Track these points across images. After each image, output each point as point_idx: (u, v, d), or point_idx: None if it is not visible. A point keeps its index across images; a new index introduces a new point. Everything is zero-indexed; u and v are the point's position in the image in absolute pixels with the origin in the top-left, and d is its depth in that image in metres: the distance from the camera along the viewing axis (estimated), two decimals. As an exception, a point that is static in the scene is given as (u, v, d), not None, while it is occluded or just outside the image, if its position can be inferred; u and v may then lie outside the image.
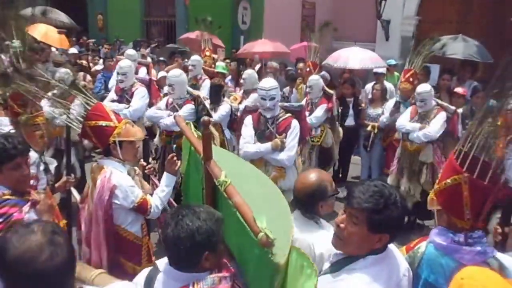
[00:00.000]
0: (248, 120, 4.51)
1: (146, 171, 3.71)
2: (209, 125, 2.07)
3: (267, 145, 4.32)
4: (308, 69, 7.08)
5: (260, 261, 1.62)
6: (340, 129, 6.48)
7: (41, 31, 9.99)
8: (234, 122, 5.95)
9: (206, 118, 2.08)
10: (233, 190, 1.78)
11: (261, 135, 4.41)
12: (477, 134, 1.91)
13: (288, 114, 4.49)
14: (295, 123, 4.42)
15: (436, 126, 5.34)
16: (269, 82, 4.47)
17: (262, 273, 1.63)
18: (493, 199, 1.91)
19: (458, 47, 7.89)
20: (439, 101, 5.68)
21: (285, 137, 4.34)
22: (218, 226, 1.78)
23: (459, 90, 6.44)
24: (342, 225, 1.84)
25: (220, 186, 1.85)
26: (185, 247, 1.72)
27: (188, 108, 5.32)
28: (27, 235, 1.42)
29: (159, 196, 3.29)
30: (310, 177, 2.47)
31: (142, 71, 8.10)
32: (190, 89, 5.57)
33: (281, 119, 4.45)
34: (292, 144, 4.35)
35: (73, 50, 10.96)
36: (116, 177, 3.12)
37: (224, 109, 5.80)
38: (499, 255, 2.02)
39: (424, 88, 5.44)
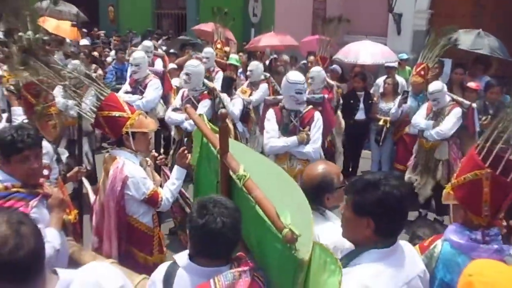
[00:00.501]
0: (271, 114, 4.40)
1: (157, 162, 3.71)
2: (226, 118, 2.04)
3: (293, 139, 4.24)
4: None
5: (283, 256, 1.59)
6: (342, 121, 6.37)
7: (52, 24, 10.10)
8: (246, 115, 5.91)
9: (223, 111, 2.07)
10: (253, 184, 1.75)
11: (285, 129, 4.33)
12: (500, 130, 1.88)
13: (310, 106, 4.44)
14: (318, 115, 4.36)
15: (449, 123, 5.25)
16: (301, 76, 4.38)
17: (285, 269, 1.60)
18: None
19: (483, 42, 7.75)
20: (454, 96, 5.56)
21: (309, 130, 4.29)
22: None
23: (471, 84, 6.34)
24: (342, 212, 1.91)
25: (239, 180, 1.81)
26: (229, 238, 1.75)
27: (204, 105, 5.19)
28: None
29: (170, 189, 3.30)
30: (316, 169, 2.46)
31: (158, 63, 8.08)
32: (206, 81, 5.49)
33: (304, 111, 4.38)
34: (316, 136, 4.28)
35: (84, 41, 11.00)
36: (129, 168, 3.12)
37: (238, 103, 5.75)
38: (515, 252, 1.99)
39: (436, 86, 5.31)
